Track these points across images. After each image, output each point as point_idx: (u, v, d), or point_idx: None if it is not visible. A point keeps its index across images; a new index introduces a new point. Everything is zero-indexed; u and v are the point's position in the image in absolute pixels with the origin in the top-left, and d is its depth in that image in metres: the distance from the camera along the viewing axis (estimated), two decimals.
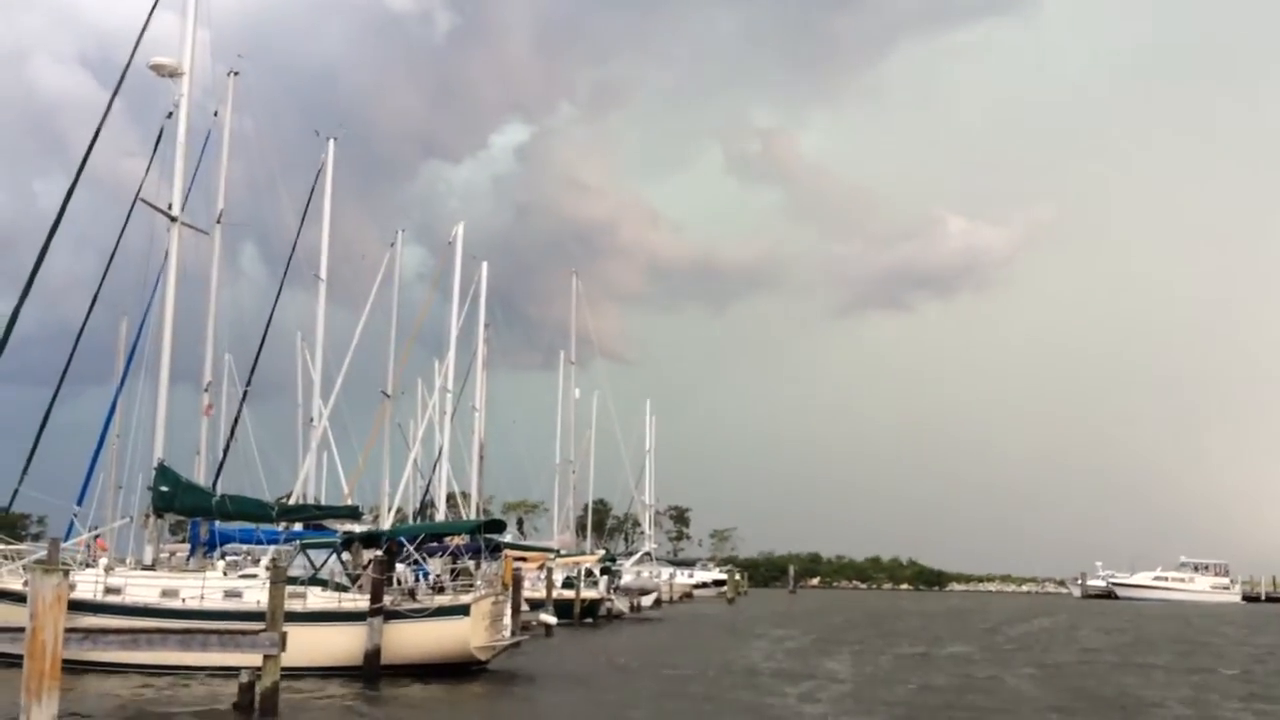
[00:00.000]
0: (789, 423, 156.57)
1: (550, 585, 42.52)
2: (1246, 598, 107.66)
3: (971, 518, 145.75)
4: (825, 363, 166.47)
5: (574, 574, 47.13)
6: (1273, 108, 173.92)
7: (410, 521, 41.01)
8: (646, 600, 56.48)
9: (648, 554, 69.82)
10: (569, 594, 44.61)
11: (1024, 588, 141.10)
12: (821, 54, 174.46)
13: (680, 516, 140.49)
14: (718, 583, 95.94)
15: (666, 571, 79.57)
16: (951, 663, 29.29)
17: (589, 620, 44.65)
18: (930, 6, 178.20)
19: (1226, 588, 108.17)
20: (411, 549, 24.89)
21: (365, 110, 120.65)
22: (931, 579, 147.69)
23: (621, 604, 50.55)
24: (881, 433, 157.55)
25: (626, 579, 57.89)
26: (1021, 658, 31.67)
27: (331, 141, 35.56)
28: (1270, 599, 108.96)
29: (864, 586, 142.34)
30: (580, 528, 65.81)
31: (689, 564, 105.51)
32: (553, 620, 37.38)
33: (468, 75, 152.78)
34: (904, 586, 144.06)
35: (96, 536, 28.72)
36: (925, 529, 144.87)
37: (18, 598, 19.09)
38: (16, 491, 24.33)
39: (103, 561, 24.67)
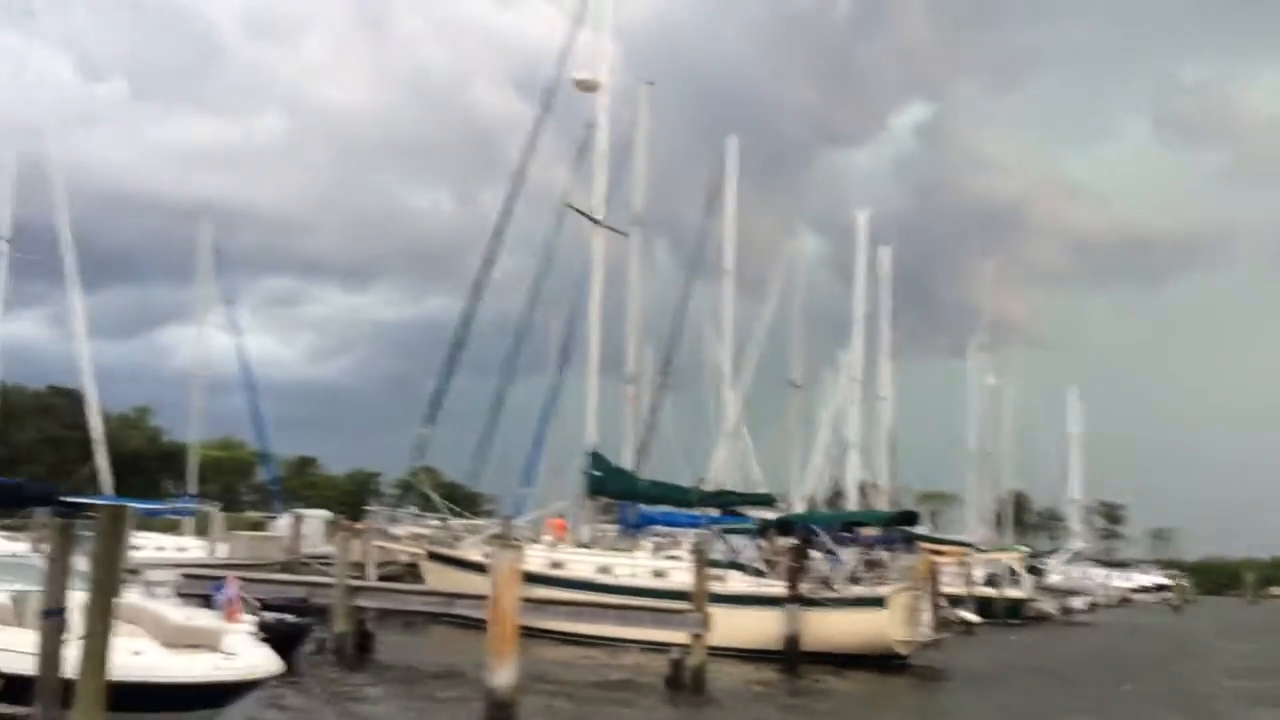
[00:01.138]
0: (1241, 411, 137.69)
1: (970, 581, 40.63)
2: None
3: None
4: None
5: (996, 571, 44.72)
6: None
7: (819, 510, 41.11)
8: (1078, 602, 52.18)
9: (1077, 552, 64.55)
10: (990, 591, 42.40)
11: None
12: None
13: (1111, 514, 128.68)
14: (1160, 587, 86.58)
15: (1100, 573, 73.07)
16: None
17: (1013, 620, 42.08)
18: None
19: None
20: (826, 538, 24.77)
21: (763, 103, 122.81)
22: None
23: (1049, 605, 47.14)
24: None
25: (1054, 578, 53.97)
26: None
27: (733, 138, 36.60)
28: None
29: None
30: (998, 521, 62.36)
31: (1124, 565, 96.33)
32: (975, 619, 35.63)
33: (866, 58, 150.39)
34: None
35: (554, 517, 31.41)
36: None
37: (477, 568, 21.48)
38: (476, 471, 27.62)
39: (547, 538, 27.16)
